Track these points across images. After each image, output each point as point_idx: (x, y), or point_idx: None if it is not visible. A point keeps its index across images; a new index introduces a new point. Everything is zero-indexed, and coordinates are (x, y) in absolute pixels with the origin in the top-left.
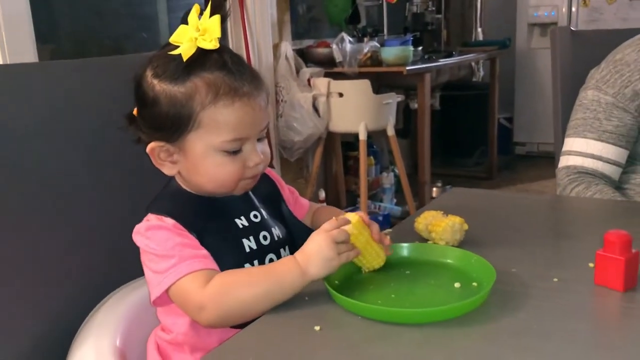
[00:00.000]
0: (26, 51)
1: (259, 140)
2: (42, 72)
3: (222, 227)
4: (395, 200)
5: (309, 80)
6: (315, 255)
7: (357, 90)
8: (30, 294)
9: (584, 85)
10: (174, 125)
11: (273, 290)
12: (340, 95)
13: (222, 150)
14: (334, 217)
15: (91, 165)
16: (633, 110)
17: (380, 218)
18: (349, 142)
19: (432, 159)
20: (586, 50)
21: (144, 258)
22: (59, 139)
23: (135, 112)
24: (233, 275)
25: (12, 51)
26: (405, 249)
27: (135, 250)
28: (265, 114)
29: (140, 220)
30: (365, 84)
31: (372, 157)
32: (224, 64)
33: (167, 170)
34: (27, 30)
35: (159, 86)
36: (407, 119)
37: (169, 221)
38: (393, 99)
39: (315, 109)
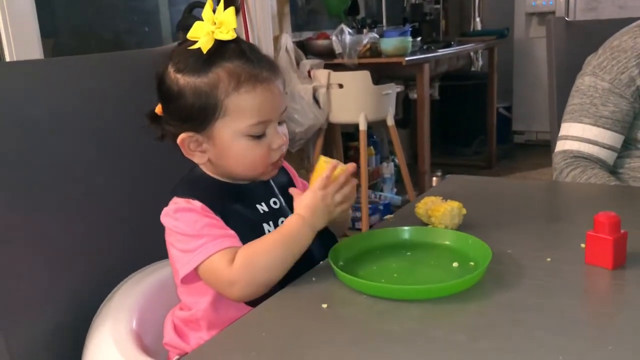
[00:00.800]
0: (32, 47)
1: (279, 123)
2: (53, 67)
3: (244, 211)
4: (395, 190)
5: (309, 72)
6: (317, 208)
7: (357, 82)
8: (49, 279)
9: (581, 71)
10: (200, 115)
11: (291, 249)
12: (340, 86)
13: (248, 134)
14: (323, 174)
15: (107, 156)
16: (629, 96)
17: (381, 207)
18: (349, 132)
19: (431, 149)
20: (581, 39)
21: (171, 239)
22: (74, 133)
23: (158, 109)
24: (252, 247)
25: (18, 47)
26: (406, 232)
27: (155, 235)
28: (283, 97)
29: (158, 206)
30: (365, 75)
31: (372, 147)
32: (242, 53)
33: (198, 159)
34: (32, 26)
35: (182, 80)
36: (406, 109)
37: (197, 204)
38: (392, 90)
39: (316, 100)
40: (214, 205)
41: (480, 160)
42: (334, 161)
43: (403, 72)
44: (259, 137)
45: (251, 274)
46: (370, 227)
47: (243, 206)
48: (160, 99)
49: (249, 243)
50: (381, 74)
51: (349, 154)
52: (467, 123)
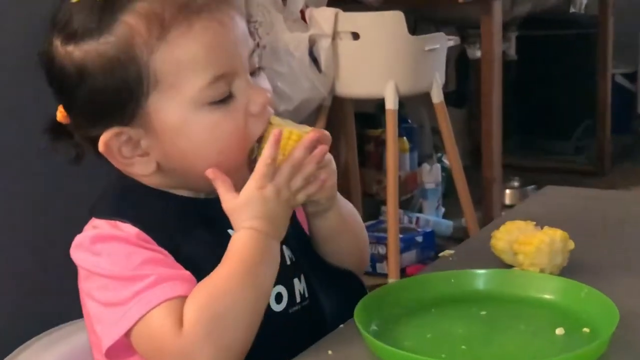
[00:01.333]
0: None
1: (251, 74)
2: None
3: (208, 239)
4: (443, 210)
5: (302, 13)
6: (269, 209)
7: (383, 29)
8: None
9: None
10: (121, 96)
11: (261, 277)
12: (355, 36)
13: (207, 102)
14: (265, 153)
15: None
16: None
17: (420, 238)
18: (368, 113)
19: (504, 142)
20: None
21: (88, 285)
22: None
23: (60, 114)
24: (205, 289)
25: None
26: (479, 278)
27: (64, 278)
28: (244, 35)
29: (70, 231)
30: (395, 18)
31: (405, 139)
32: None
33: (141, 168)
34: None
35: (78, 51)
36: (462, 77)
37: (130, 229)
38: (441, 43)
39: (314, 60)
40: (159, 230)
41: (585, 161)
42: (283, 123)
43: (458, 13)
44: (224, 100)
45: (215, 333)
46: (403, 271)
47: (206, 231)
48: (56, 93)
49: (197, 285)
50: (422, 16)
51: (367, 149)
52: (564, 100)
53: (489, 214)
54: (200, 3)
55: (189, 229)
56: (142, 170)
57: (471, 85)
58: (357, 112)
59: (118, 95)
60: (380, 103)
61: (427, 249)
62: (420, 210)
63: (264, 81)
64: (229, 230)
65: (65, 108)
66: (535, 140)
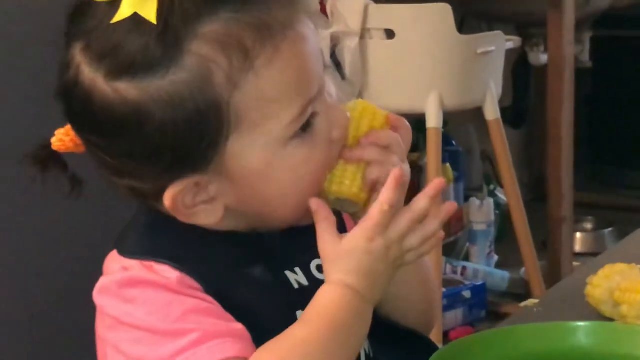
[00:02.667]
0: None
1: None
2: None
3: (265, 281)
4: (496, 258)
5: (322, 4)
6: (372, 268)
7: (424, 26)
8: None
9: None
10: (195, 143)
11: (344, 346)
12: (390, 34)
13: (292, 136)
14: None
15: None
16: None
17: (468, 293)
18: None
19: (575, 172)
20: None
21: (116, 336)
22: None
23: (59, 142)
24: (275, 352)
25: None
26: (575, 333)
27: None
28: (318, 38)
29: (93, 268)
30: (440, 13)
31: (449, 166)
32: None
33: (207, 217)
34: None
35: (135, 90)
36: (521, 88)
37: (169, 273)
38: (498, 45)
39: (336, 64)
40: (204, 271)
41: None
42: (397, 121)
43: (518, 6)
44: (307, 129)
45: None
46: (446, 335)
47: (260, 271)
48: (90, 134)
49: (264, 346)
50: (471, 11)
51: None
52: None
53: (556, 263)
54: (281, 18)
55: (240, 269)
56: (208, 219)
57: (532, 100)
58: None
59: (192, 142)
60: (418, 120)
61: (477, 307)
62: (467, 258)
63: (331, 91)
64: (287, 272)
65: (104, 152)
66: (613, 170)
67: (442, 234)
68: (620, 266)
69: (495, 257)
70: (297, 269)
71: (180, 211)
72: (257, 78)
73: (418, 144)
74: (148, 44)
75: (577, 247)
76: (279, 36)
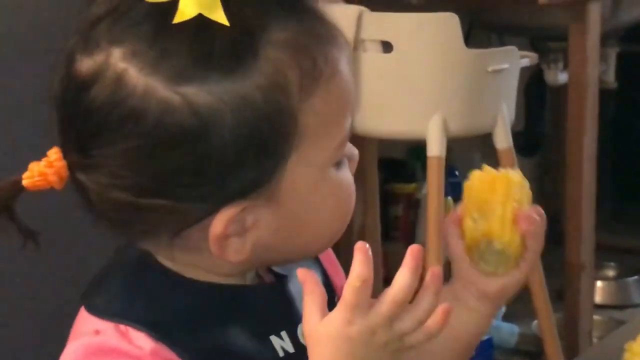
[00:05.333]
0: None
1: None
2: None
3: (246, 348)
4: (504, 309)
5: None
6: (355, 355)
7: (427, 38)
8: None
9: None
10: (260, 157)
11: None
12: (387, 47)
13: (334, 163)
14: (357, 258)
15: None
16: None
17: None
18: (397, 160)
19: (597, 211)
20: None
21: None
22: None
23: (29, 180)
24: None
25: None
26: None
27: None
28: None
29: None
30: (446, 23)
31: (451, 200)
32: (287, 2)
33: (235, 252)
34: None
35: (206, 94)
36: (535, 112)
37: (145, 342)
38: (512, 61)
39: None
40: (183, 338)
41: None
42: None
43: (534, 18)
44: (340, 161)
45: None
46: None
47: (243, 335)
48: (122, 149)
49: None
50: (480, 21)
51: (393, 212)
52: None
53: (574, 317)
54: (332, 31)
55: (224, 333)
56: (236, 255)
57: (547, 125)
58: (381, 157)
59: (257, 156)
60: (417, 146)
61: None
62: None
63: None
64: (272, 337)
65: (137, 171)
66: (639, 209)
67: (447, 305)
68: None
69: (503, 308)
70: (283, 333)
71: (220, 243)
72: (325, 91)
73: (415, 174)
74: (222, 47)
75: (598, 298)
76: (334, 50)
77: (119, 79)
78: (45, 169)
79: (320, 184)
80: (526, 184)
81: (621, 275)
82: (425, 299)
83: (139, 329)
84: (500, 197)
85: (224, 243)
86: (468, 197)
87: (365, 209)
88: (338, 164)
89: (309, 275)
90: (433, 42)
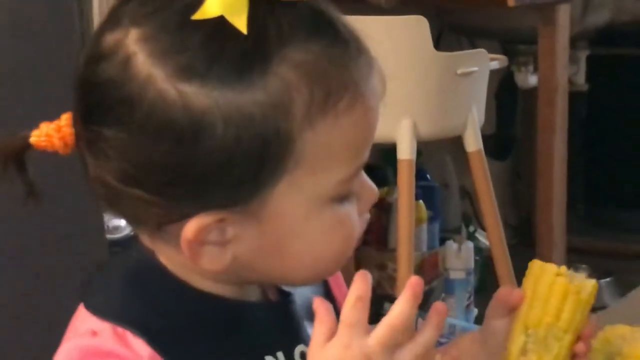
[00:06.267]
0: None
1: None
2: None
3: None
4: (476, 312)
5: None
6: None
7: (396, 41)
8: None
9: None
10: (246, 172)
11: None
12: None
13: (335, 198)
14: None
15: None
16: None
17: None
18: (369, 164)
19: (568, 213)
20: None
21: None
22: None
23: (41, 137)
24: None
25: None
26: None
27: None
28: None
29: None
30: (415, 27)
31: (422, 204)
32: (317, 22)
33: (211, 261)
34: None
35: (204, 96)
36: (506, 115)
37: (141, 349)
38: (481, 64)
39: None
40: (180, 349)
41: None
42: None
43: (504, 21)
44: (346, 197)
45: None
46: None
47: (238, 352)
48: (116, 130)
49: None
50: (450, 24)
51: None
52: None
53: None
54: (364, 71)
55: (219, 352)
56: (211, 263)
57: (518, 128)
58: None
59: (243, 171)
60: (386, 150)
61: None
62: None
63: None
64: (267, 357)
65: (126, 155)
66: (610, 211)
67: (456, 355)
68: (622, 328)
69: (475, 311)
70: (279, 354)
71: (192, 247)
72: (333, 124)
73: (387, 178)
74: (232, 54)
75: None
76: (361, 85)
77: (127, 62)
78: (53, 132)
79: (312, 216)
80: (593, 298)
81: (593, 277)
82: (426, 332)
83: (136, 334)
84: (564, 324)
85: (199, 249)
86: (532, 295)
87: None
88: (342, 199)
89: (322, 305)
90: (402, 46)
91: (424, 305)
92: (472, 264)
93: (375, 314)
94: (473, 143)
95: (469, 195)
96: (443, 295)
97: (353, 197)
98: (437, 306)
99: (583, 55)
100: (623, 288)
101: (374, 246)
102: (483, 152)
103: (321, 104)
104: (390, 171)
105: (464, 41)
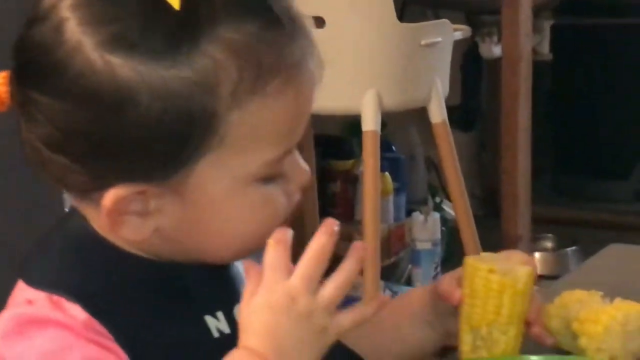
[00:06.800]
0: None
1: None
2: None
3: (179, 328)
4: None
5: None
6: (288, 332)
7: (360, 13)
8: None
9: None
10: (169, 147)
11: None
12: (319, 22)
13: (261, 177)
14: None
15: None
16: None
17: None
18: (333, 137)
19: (534, 184)
20: None
21: None
22: None
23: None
24: None
25: None
26: None
27: None
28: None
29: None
30: None
31: (388, 176)
32: (252, 3)
33: (131, 231)
34: None
35: (128, 69)
36: (471, 86)
37: (77, 312)
38: (445, 35)
39: None
40: (117, 314)
41: None
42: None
43: None
44: (273, 178)
45: None
46: None
47: (181, 319)
48: (45, 94)
49: None
50: None
51: (330, 189)
52: (619, 122)
53: None
54: (300, 52)
55: (156, 313)
56: (132, 233)
57: (484, 99)
58: (317, 135)
59: (167, 147)
60: (351, 122)
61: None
62: (409, 282)
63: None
64: (207, 317)
65: (54, 120)
66: (576, 181)
67: (385, 298)
68: (579, 293)
69: None
70: (218, 314)
71: (111, 216)
72: (261, 106)
73: (353, 150)
74: (162, 29)
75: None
76: (293, 69)
77: (58, 27)
78: None
79: (235, 194)
80: (532, 284)
81: (559, 246)
82: (345, 265)
83: (71, 300)
84: (506, 318)
85: (119, 218)
86: (470, 294)
87: (308, 197)
88: (268, 180)
89: (252, 266)
90: (366, 17)
91: (390, 276)
92: (438, 235)
93: None
94: (438, 114)
95: (435, 166)
96: (410, 266)
97: (281, 178)
98: (356, 244)
99: (547, 24)
100: (588, 256)
101: (340, 218)
102: (448, 123)
103: (250, 86)
104: (355, 143)
105: (428, 12)
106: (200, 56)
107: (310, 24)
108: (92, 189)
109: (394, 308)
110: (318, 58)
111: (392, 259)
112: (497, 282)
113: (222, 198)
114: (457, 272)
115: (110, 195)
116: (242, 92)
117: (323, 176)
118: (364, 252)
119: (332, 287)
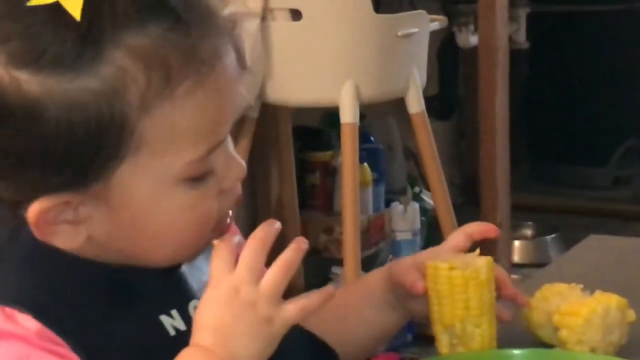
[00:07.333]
0: None
1: None
2: None
3: (135, 331)
4: None
5: None
6: (233, 323)
7: (335, 5)
8: None
9: None
10: (83, 158)
11: None
12: (296, 15)
13: (187, 178)
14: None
15: None
16: None
17: None
18: (312, 128)
19: (512, 171)
20: None
21: None
22: None
23: None
24: None
25: None
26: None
27: None
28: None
29: None
30: None
31: (367, 166)
32: (156, 6)
33: (65, 240)
34: None
35: (35, 84)
36: (449, 75)
37: (30, 323)
38: (421, 26)
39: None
40: (70, 321)
41: (631, 197)
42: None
43: None
44: (203, 175)
45: None
46: None
47: (135, 321)
48: None
49: None
50: None
51: (309, 181)
52: (597, 109)
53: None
54: (211, 49)
55: (109, 317)
56: (65, 242)
57: (461, 88)
58: (296, 126)
59: (82, 157)
60: (330, 114)
61: (402, 330)
62: None
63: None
64: (162, 317)
65: None
66: (555, 168)
67: (331, 290)
68: (560, 286)
69: None
70: (173, 312)
71: (40, 227)
72: (173, 108)
73: (331, 142)
74: (64, 41)
75: (516, 257)
76: (205, 68)
77: None
78: None
79: (163, 196)
80: (493, 272)
81: (539, 234)
82: (284, 255)
83: (23, 311)
84: (476, 311)
85: (50, 228)
86: (437, 294)
87: (281, 179)
88: (195, 180)
89: (222, 242)
90: (342, 9)
91: (370, 267)
92: (418, 225)
93: (323, 278)
94: (415, 105)
95: (413, 156)
96: (390, 256)
97: (210, 177)
98: (299, 238)
99: (523, 13)
100: (568, 244)
101: (320, 210)
102: (426, 114)
103: (159, 90)
104: (334, 135)
105: (404, 2)
106: (104, 65)
107: (285, 17)
108: (21, 201)
109: (354, 293)
110: (238, 52)
111: (372, 250)
112: (459, 277)
113: (150, 201)
114: (415, 258)
115: (34, 208)
116: (152, 96)
117: (302, 168)
118: (305, 245)
119: (272, 275)
